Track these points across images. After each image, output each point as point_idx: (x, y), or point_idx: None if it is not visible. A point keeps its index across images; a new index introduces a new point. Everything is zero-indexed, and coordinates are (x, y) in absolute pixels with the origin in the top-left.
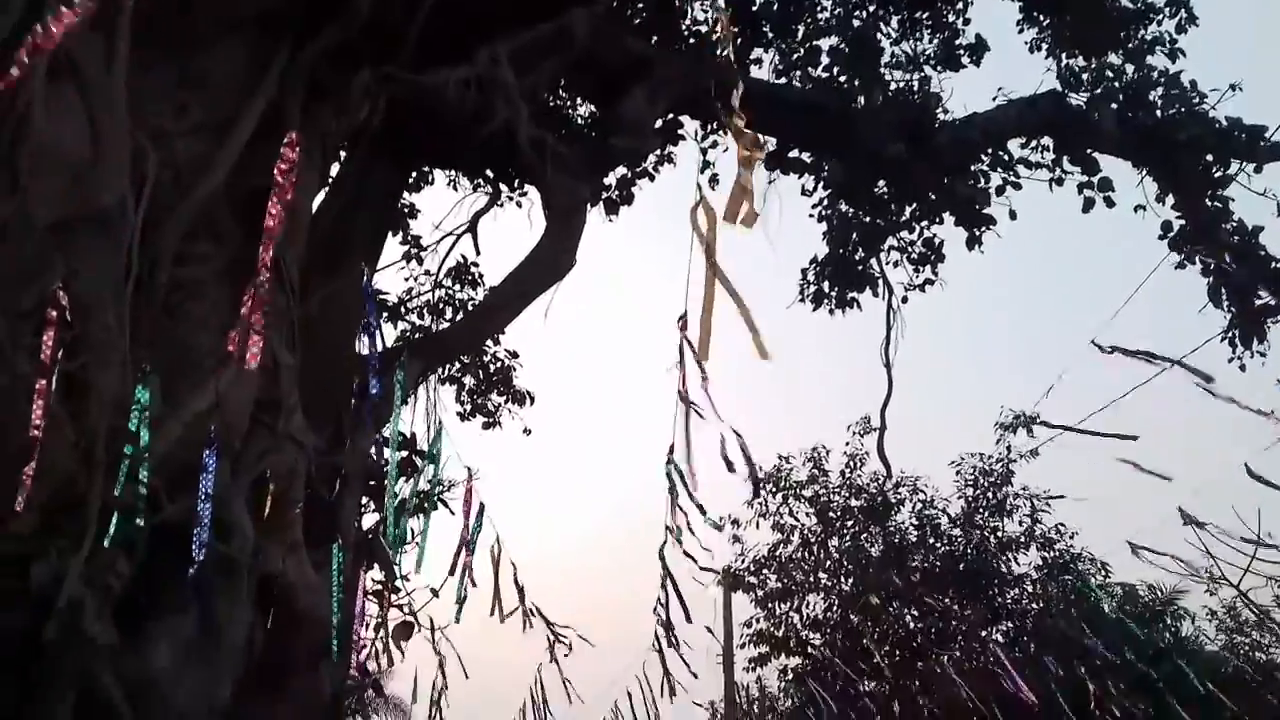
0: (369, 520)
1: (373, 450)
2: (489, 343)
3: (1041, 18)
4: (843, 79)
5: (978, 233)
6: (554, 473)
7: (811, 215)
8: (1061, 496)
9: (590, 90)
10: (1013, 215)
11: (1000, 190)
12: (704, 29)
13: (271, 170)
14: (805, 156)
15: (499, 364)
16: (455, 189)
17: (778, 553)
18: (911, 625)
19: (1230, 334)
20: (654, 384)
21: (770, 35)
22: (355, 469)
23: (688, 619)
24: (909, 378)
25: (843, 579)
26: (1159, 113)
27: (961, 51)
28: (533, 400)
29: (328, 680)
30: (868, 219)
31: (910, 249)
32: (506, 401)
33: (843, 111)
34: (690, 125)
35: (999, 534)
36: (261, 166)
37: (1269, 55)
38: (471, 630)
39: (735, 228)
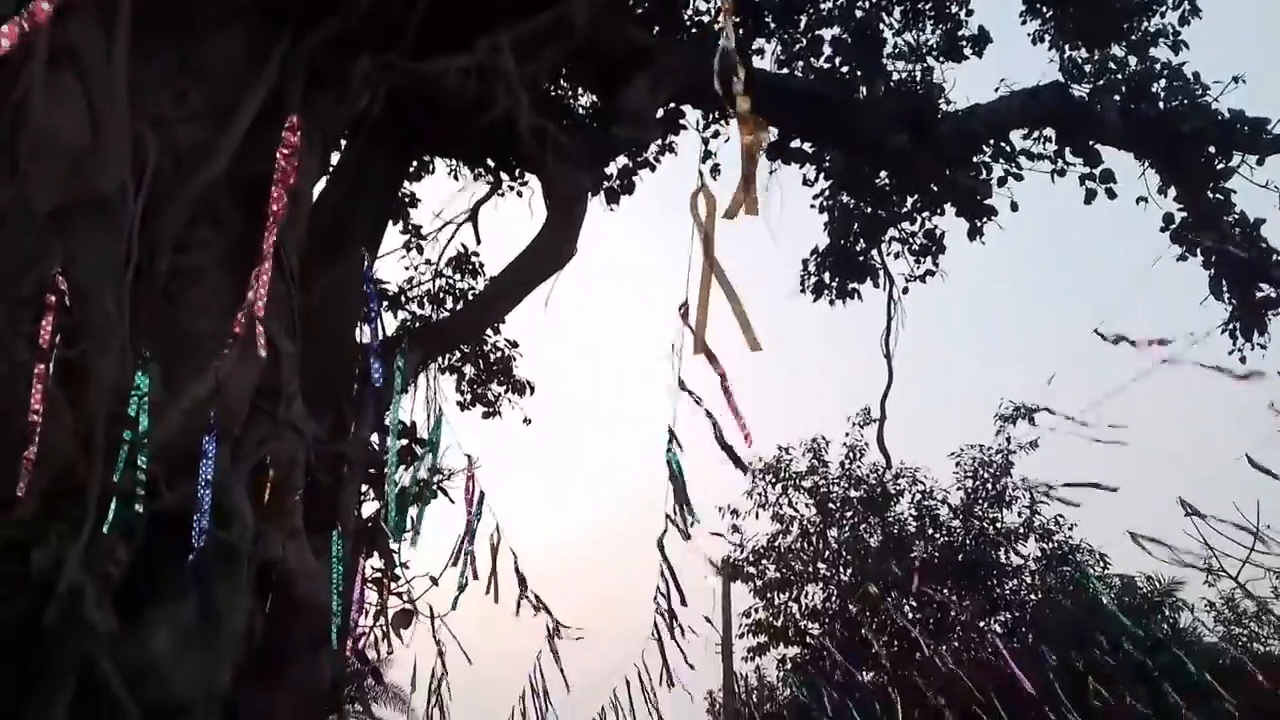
0: (369, 508)
1: (373, 438)
2: (489, 332)
3: (1044, 9)
4: (845, 69)
5: (979, 224)
6: (554, 463)
7: (813, 206)
8: (1063, 487)
9: (591, 79)
10: (1014, 207)
11: (1002, 181)
12: (706, 18)
13: (272, 157)
14: (807, 147)
15: (499, 353)
16: (456, 178)
17: (777, 543)
18: (910, 615)
19: (1231, 326)
20: (654, 373)
21: (772, 25)
22: (355, 457)
23: (683, 602)
24: (909, 369)
25: (842, 569)
26: (1161, 105)
27: (964, 42)
28: (533, 390)
29: (327, 667)
30: (869, 210)
31: (911, 240)
32: (506, 391)
33: (845, 102)
34: (692, 115)
35: (998, 525)
36: (262, 154)
37: (1272, 47)
38: (471, 620)
39: (739, 216)
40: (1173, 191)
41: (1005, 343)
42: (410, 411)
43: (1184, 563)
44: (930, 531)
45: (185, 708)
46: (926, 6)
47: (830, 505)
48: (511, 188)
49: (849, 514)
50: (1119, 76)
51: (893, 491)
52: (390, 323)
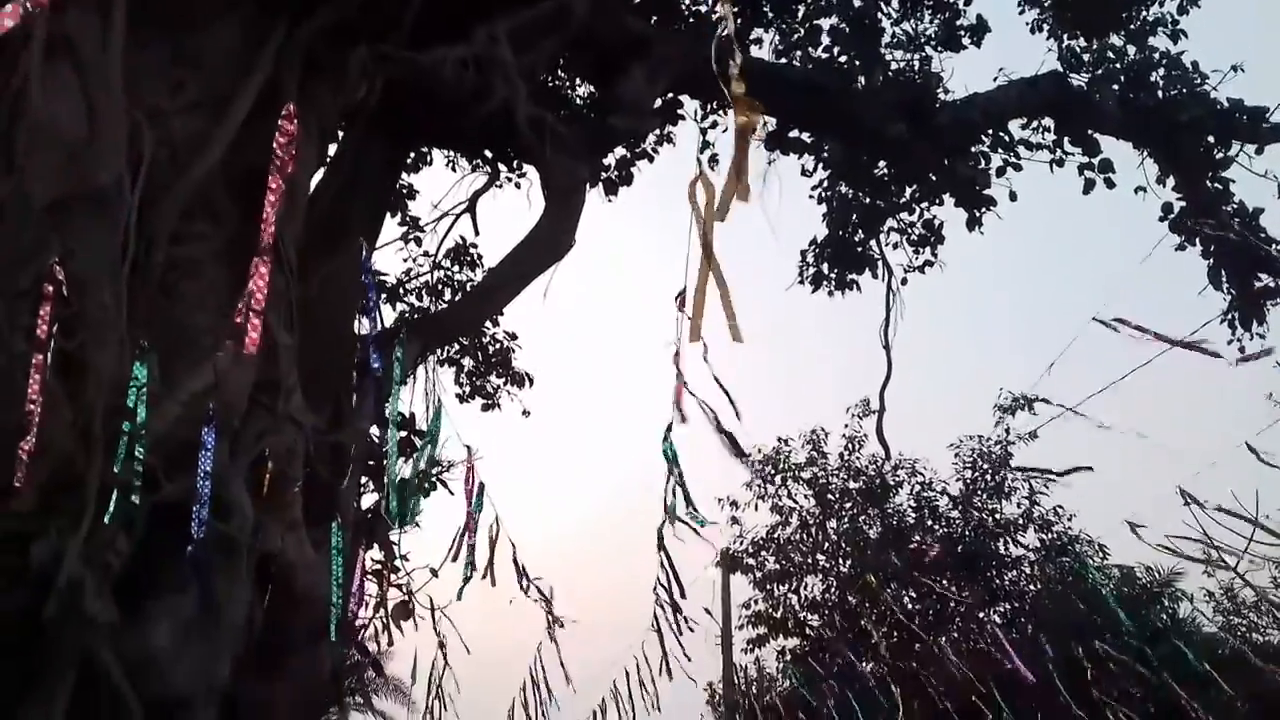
0: (368, 500)
1: (373, 430)
2: (488, 324)
3: None
4: (843, 59)
5: (978, 214)
6: (553, 456)
7: (811, 196)
8: (1066, 472)
9: (589, 70)
10: (1013, 196)
11: (1001, 171)
12: (703, 7)
13: (268, 149)
14: (805, 137)
15: (498, 345)
16: (454, 169)
17: (776, 534)
18: (909, 606)
19: (1230, 316)
20: (653, 365)
21: (770, 15)
22: (355, 448)
23: (683, 594)
24: (908, 360)
25: (841, 561)
26: (1160, 94)
27: (962, 32)
28: (532, 382)
29: (327, 659)
30: (868, 200)
31: (910, 230)
32: (505, 383)
33: (843, 91)
34: (690, 105)
35: (997, 516)
36: (258, 145)
37: (1270, 36)
38: (471, 612)
39: (735, 204)
40: (1171, 181)
41: (1004, 333)
42: (409, 403)
43: (1182, 554)
44: (929, 523)
45: (185, 700)
46: None
47: (829, 496)
48: (509, 179)
49: (848, 505)
50: (1117, 66)
51: (892, 483)
52: (388, 315)
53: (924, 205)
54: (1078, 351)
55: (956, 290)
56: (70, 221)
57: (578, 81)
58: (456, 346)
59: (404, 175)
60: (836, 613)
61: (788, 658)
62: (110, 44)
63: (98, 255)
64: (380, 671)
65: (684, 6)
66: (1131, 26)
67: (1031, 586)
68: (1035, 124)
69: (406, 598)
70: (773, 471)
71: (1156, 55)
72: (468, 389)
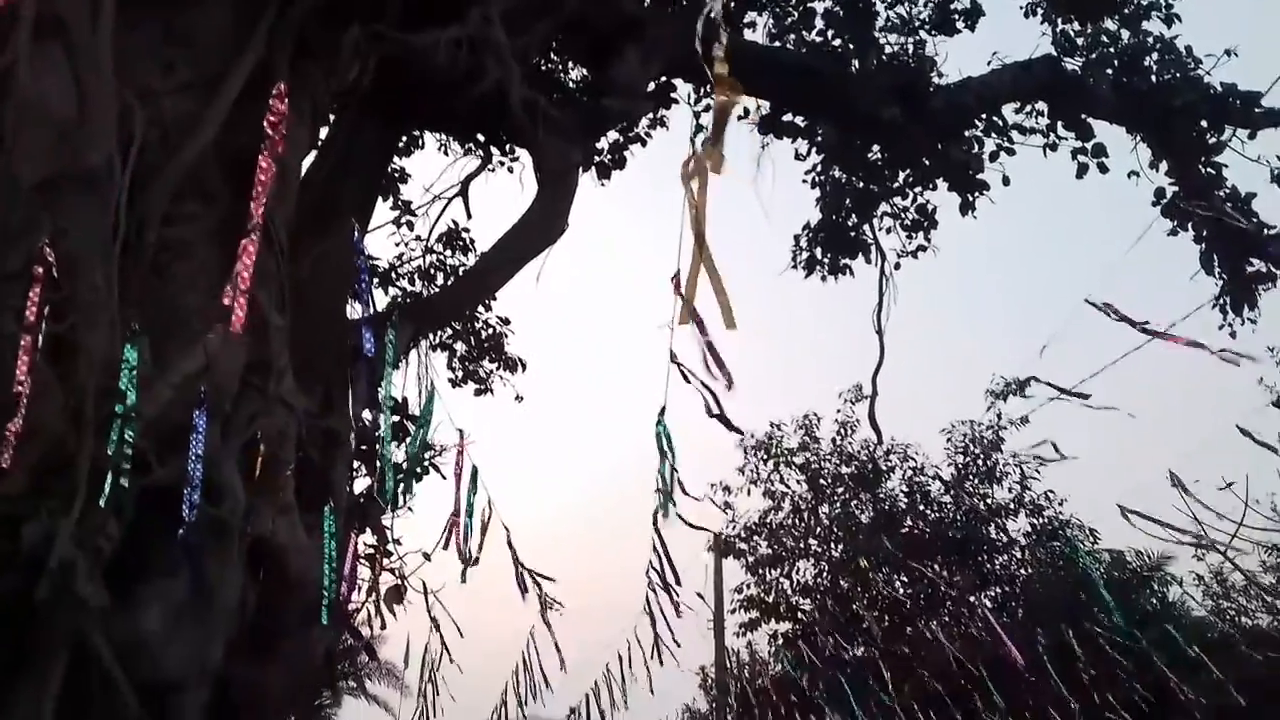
0: (361, 484)
1: (365, 414)
2: (480, 309)
3: None
4: (837, 42)
5: (971, 198)
6: (546, 440)
7: (804, 181)
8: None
9: (582, 53)
10: (1006, 181)
11: (994, 156)
12: None
13: (260, 130)
14: (799, 120)
15: (491, 330)
16: (446, 153)
17: (768, 519)
18: (901, 591)
19: (1221, 300)
20: (647, 349)
21: None
22: (346, 432)
23: (678, 581)
24: (901, 344)
25: (833, 545)
26: (1154, 78)
27: (956, 15)
28: (524, 367)
29: (320, 643)
30: (861, 185)
31: (903, 215)
32: (498, 368)
33: (837, 75)
34: (684, 89)
35: (989, 501)
36: (250, 126)
37: (1264, 21)
38: (463, 596)
39: (710, 173)
40: (1164, 166)
41: (997, 318)
42: (402, 388)
43: (1172, 538)
44: (921, 507)
45: (177, 684)
46: None
47: (822, 481)
48: (502, 163)
49: (840, 490)
50: (1111, 50)
51: (884, 468)
52: (381, 299)
53: (917, 190)
54: (1070, 336)
55: (949, 275)
56: (60, 202)
57: (571, 64)
58: (449, 331)
59: (396, 159)
60: (828, 597)
61: (780, 642)
62: (100, 23)
63: (88, 236)
64: (373, 656)
65: None
66: (1125, 10)
67: (1022, 571)
68: (1029, 108)
69: (399, 582)
70: (765, 456)
71: (1150, 40)
72: (460, 374)
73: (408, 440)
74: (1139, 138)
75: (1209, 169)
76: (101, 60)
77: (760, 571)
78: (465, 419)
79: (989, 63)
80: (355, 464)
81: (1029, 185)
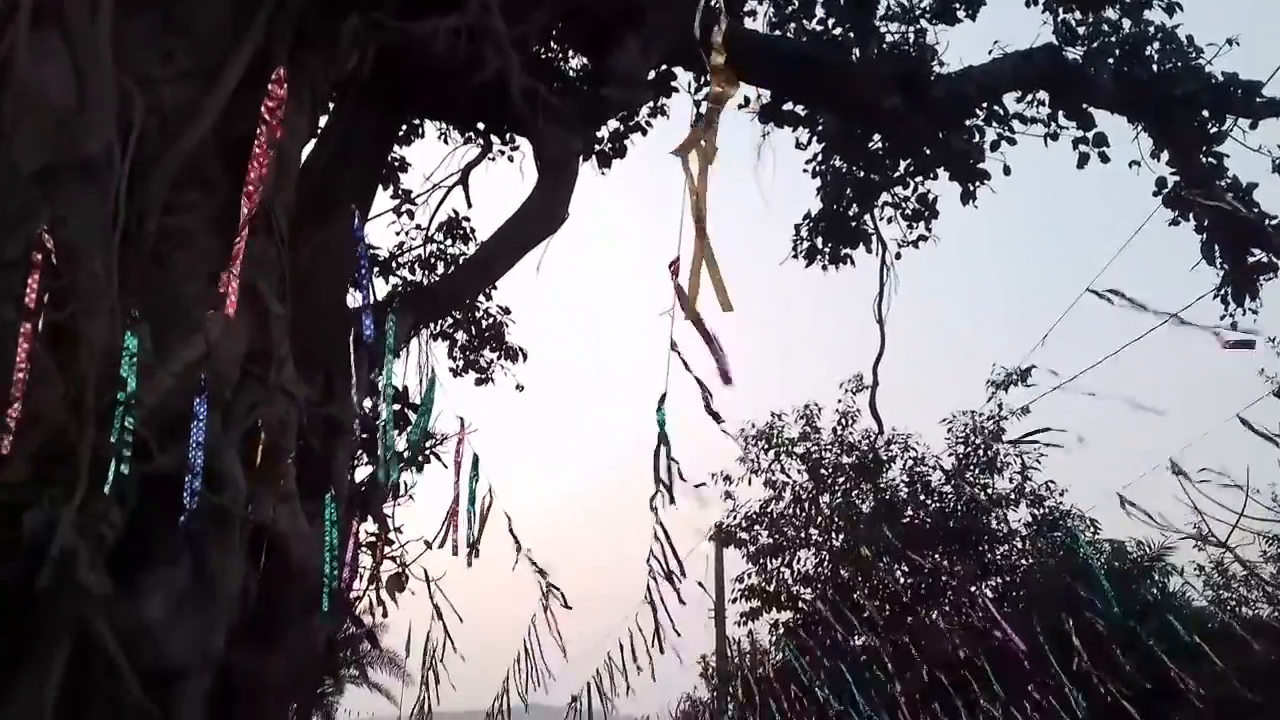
0: (362, 473)
1: (365, 402)
2: (481, 298)
3: None
4: (838, 31)
5: (972, 188)
6: (546, 430)
7: (805, 170)
8: (1049, 444)
9: (582, 42)
10: (1007, 170)
11: (995, 145)
12: None
13: (259, 119)
14: (799, 110)
15: (491, 320)
16: (446, 142)
17: (769, 509)
18: (902, 581)
19: (1222, 291)
20: (646, 338)
21: None
22: (347, 420)
23: (682, 571)
24: (901, 334)
25: (834, 535)
26: (1155, 68)
27: (957, 4)
28: (525, 357)
29: (322, 631)
30: (862, 174)
31: (904, 205)
32: (499, 358)
33: (838, 64)
34: (684, 77)
35: (989, 491)
36: (249, 116)
37: (1266, 11)
38: (465, 585)
39: (693, 161)
40: (1166, 156)
41: (998, 308)
42: (403, 377)
43: (1173, 527)
44: (922, 497)
45: (180, 671)
46: None
47: (822, 471)
48: (502, 152)
49: (841, 480)
50: (1113, 39)
51: (884, 458)
52: (381, 288)
53: (918, 179)
54: (1070, 327)
55: (950, 265)
56: (60, 190)
57: (570, 53)
58: (450, 320)
59: (396, 147)
60: (829, 587)
61: (780, 631)
62: (99, 11)
63: (88, 224)
64: (375, 644)
65: None
66: (1127, 0)
67: (1023, 561)
68: (1030, 97)
69: (400, 570)
70: (766, 446)
71: (1152, 29)
72: (461, 363)
73: (408, 429)
74: (1140, 127)
75: (1210, 159)
76: (100, 48)
77: (761, 561)
78: (466, 409)
79: (990, 52)
80: (357, 452)
81: (1030, 175)
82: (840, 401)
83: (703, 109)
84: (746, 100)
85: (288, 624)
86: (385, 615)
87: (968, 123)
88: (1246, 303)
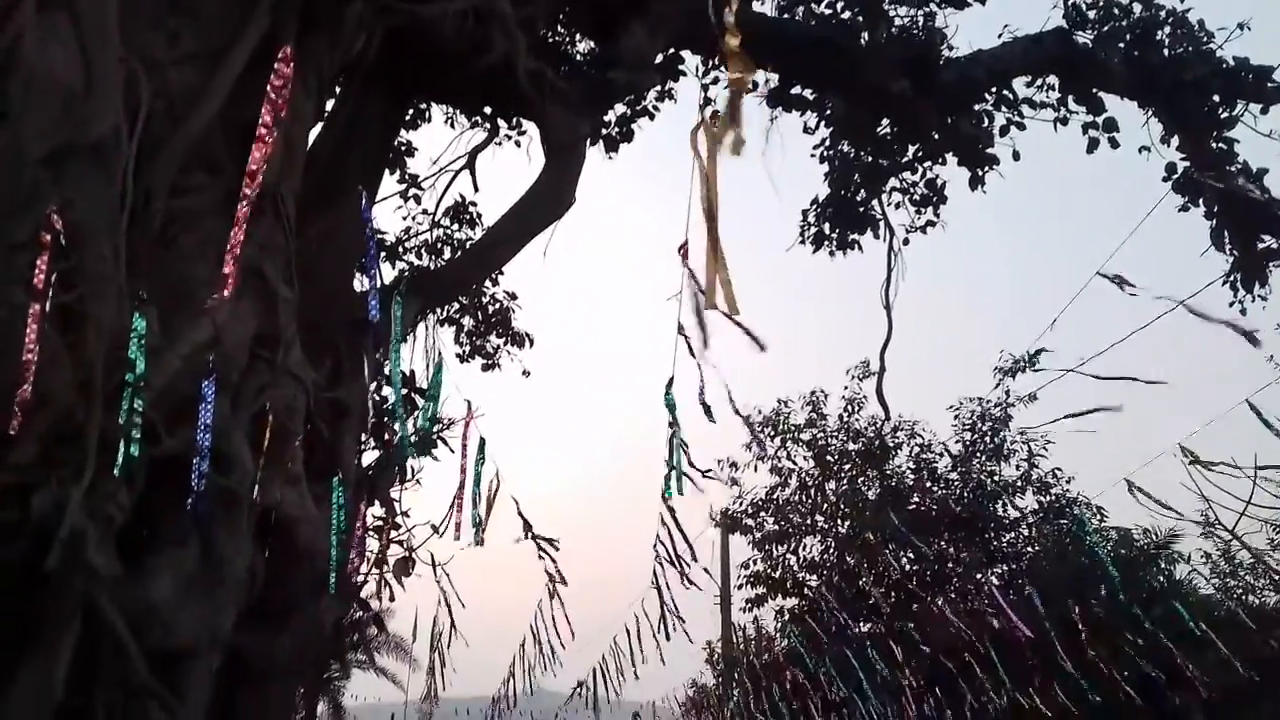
0: (369, 456)
1: (372, 386)
2: (488, 283)
3: None
4: (846, 15)
5: (981, 173)
6: (552, 415)
7: (813, 155)
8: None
9: (589, 25)
10: (1016, 156)
11: (1004, 130)
12: None
13: (264, 99)
14: (808, 94)
15: (498, 305)
16: (453, 126)
17: (775, 496)
18: (907, 567)
19: (1232, 277)
20: (654, 323)
21: None
22: (355, 404)
23: (693, 556)
24: (909, 320)
25: (839, 522)
26: (1166, 52)
27: None
28: (532, 342)
29: (329, 614)
30: (870, 159)
31: (912, 190)
32: (506, 343)
33: (846, 48)
34: (691, 61)
35: (996, 478)
36: (255, 99)
37: None
38: (472, 570)
39: (724, 152)
40: (1176, 141)
41: (1006, 294)
42: (410, 361)
43: (1179, 518)
44: (928, 484)
45: (187, 652)
46: None
47: (829, 458)
48: (509, 136)
49: (847, 467)
50: (1123, 23)
51: (891, 444)
52: (387, 273)
53: (926, 164)
54: (1079, 314)
55: (959, 250)
56: (67, 172)
57: (578, 36)
58: (456, 306)
59: (403, 132)
60: (835, 573)
61: (786, 617)
62: None
63: (96, 207)
64: (382, 628)
65: None
66: None
67: (1030, 548)
68: (1040, 82)
69: (407, 554)
70: (772, 433)
71: (1162, 13)
72: (468, 349)
73: (416, 414)
74: (1150, 112)
75: (1220, 144)
76: (108, 30)
77: (767, 547)
78: (473, 394)
79: (1000, 36)
80: (364, 436)
81: (1040, 160)
82: (846, 388)
83: (711, 93)
84: (755, 84)
85: (295, 606)
86: (392, 599)
87: (977, 107)
88: (1256, 289)
